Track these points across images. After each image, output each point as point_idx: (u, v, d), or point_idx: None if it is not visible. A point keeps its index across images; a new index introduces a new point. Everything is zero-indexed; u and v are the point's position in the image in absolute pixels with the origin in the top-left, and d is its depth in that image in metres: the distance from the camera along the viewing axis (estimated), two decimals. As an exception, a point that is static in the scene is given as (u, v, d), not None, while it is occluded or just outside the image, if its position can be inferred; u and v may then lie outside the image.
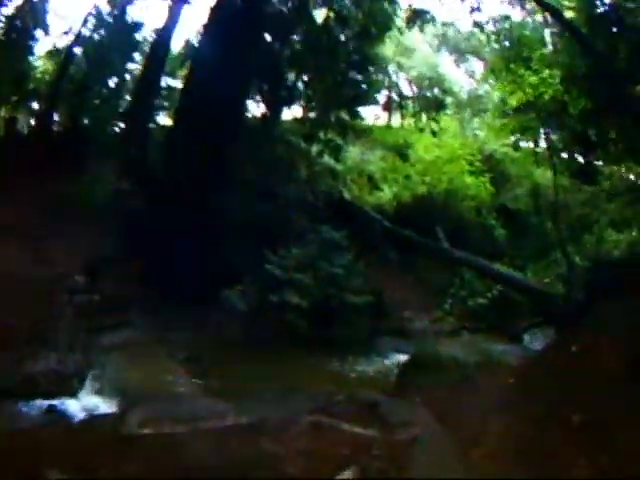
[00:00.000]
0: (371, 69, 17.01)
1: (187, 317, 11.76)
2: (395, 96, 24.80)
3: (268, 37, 15.42)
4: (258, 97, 16.95)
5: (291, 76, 16.63)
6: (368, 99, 17.82)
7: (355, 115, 17.06)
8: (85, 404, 8.72)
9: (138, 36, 19.75)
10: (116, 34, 19.03)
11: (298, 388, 8.98)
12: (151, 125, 17.75)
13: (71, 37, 19.45)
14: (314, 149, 16.17)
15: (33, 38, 18.95)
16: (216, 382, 9.42)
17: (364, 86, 16.86)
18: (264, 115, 16.34)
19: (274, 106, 16.40)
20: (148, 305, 12.34)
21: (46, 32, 19.29)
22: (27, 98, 19.86)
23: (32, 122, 20.53)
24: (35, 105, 20.25)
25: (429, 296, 14.94)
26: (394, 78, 24.81)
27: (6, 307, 10.87)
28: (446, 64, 24.58)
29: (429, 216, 16.69)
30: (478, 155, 18.35)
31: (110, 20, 19.30)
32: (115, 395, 8.82)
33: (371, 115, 22.28)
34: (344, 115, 16.46)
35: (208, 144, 12.93)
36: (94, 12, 19.18)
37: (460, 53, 24.73)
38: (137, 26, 19.64)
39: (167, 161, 14.20)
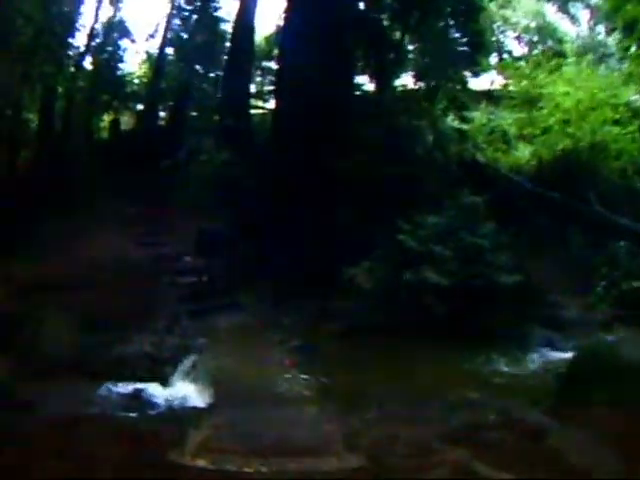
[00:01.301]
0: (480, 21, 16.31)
1: (304, 300, 11.23)
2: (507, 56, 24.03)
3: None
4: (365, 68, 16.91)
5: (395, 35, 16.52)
6: (482, 55, 16.88)
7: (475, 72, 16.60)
8: (174, 392, 8.58)
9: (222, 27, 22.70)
10: (201, 29, 22.26)
11: (431, 393, 7.87)
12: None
13: (158, 39, 23.11)
14: (437, 109, 15.71)
15: (120, 47, 23.01)
16: (329, 380, 8.61)
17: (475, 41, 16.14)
18: (376, 80, 15.80)
19: (384, 70, 15.81)
20: (261, 287, 12.16)
21: (132, 40, 23.30)
22: (127, 100, 23.78)
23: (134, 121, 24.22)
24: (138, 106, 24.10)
25: (581, 275, 12.52)
26: (501, 37, 25.02)
27: (106, 289, 11.59)
28: (550, 13, 25.48)
29: (574, 176, 15.27)
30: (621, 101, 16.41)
31: (193, 17, 22.59)
32: (209, 386, 8.53)
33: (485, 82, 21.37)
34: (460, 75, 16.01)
35: (316, 119, 12.91)
36: (175, 12, 22.63)
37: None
38: (219, 19, 22.75)
39: (276, 138, 14.50)
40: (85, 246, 14.10)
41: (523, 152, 16.78)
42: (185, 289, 12.31)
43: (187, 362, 9.53)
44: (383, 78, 16.47)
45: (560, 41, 23.88)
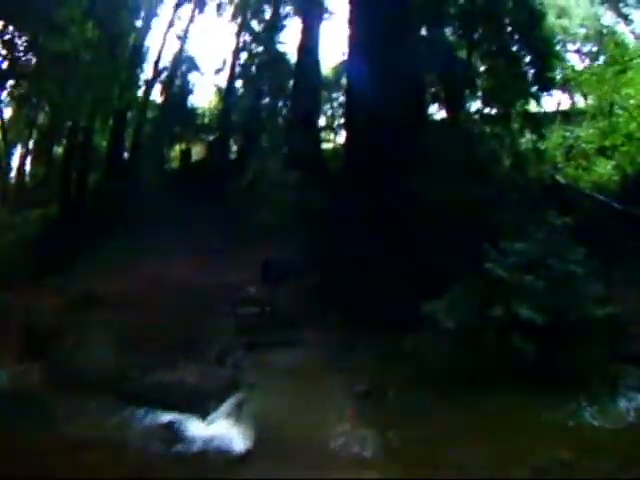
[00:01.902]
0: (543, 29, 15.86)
1: (375, 339, 10.33)
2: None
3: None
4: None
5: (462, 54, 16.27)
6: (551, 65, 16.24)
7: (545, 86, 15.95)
8: (211, 430, 8.18)
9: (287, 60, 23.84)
10: (268, 62, 23.60)
11: (515, 453, 6.93)
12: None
13: (226, 73, 25.01)
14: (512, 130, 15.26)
15: (189, 80, 25.28)
16: (395, 435, 7.58)
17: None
18: (448, 105, 15.31)
19: (455, 93, 15.45)
20: (327, 322, 11.37)
21: (200, 73, 25.61)
22: (198, 132, 25.77)
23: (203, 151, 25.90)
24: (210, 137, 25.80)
25: None
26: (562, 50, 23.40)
27: (160, 312, 11.69)
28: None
29: None
30: None
31: (260, 50, 24.24)
32: (251, 430, 7.95)
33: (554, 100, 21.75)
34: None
35: (388, 149, 12.38)
36: (242, 46, 24.51)
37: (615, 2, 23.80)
38: (283, 55, 24.07)
39: (348, 168, 13.95)
40: (146, 271, 14.43)
41: (604, 167, 15.61)
42: (245, 320, 11.87)
43: (233, 399, 9.02)
44: (455, 102, 15.99)
45: (620, 44, 22.36)
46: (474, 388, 8.31)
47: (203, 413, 8.55)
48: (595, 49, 24.34)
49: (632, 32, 23.38)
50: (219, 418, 8.53)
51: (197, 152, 26.01)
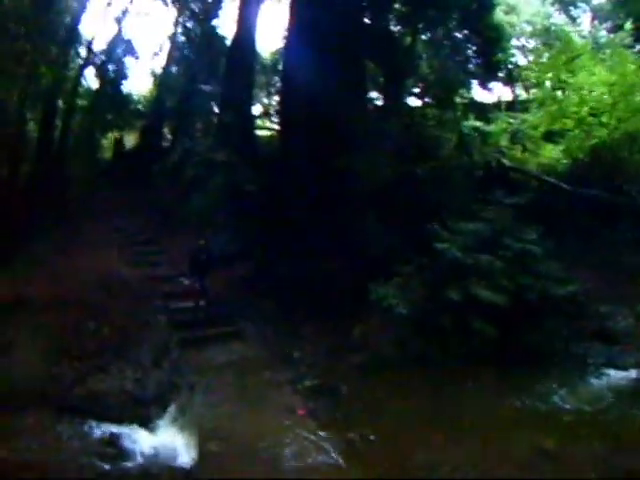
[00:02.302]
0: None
1: (319, 330, 9.98)
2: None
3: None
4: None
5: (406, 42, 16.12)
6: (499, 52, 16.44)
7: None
8: (156, 442, 7.60)
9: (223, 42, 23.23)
10: (204, 48, 23.07)
11: (492, 448, 6.52)
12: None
13: (162, 57, 24.20)
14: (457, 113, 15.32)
15: (124, 65, 23.81)
16: (355, 435, 7.12)
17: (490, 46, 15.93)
18: (387, 91, 15.19)
19: (396, 79, 15.18)
20: (267, 313, 10.83)
21: (136, 57, 24.03)
22: (131, 118, 24.57)
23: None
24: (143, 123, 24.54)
25: (627, 282, 10.98)
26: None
27: (88, 311, 10.55)
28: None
29: (612, 170, 14.26)
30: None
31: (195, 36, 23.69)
32: (198, 438, 7.39)
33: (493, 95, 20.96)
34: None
35: (325, 132, 11.87)
36: (180, 31, 23.87)
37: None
38: (222, 39, 23.44)
39: (283, 147, 13.47)
40: (75, 264, 13.25)
41: (552, 151, 15.88)
42: (178, 314, 11.10)
43: (175, 404, 8.42)
44: (395, 89, 15.69)
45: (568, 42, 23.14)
46: (433, 374, 8.10)
47: (145, 422, 7.98)
48: (540, 46, 24.37)
49: (579, 34, 23.88)
50: (163, 427, 7.95)
51: (130, 140, 24.74)
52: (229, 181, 12.61)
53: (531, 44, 24.44)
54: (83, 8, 20.08)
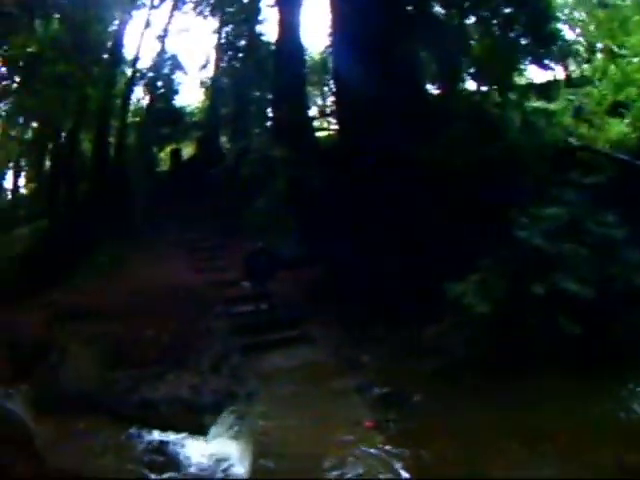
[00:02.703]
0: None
1: (388, 334, 8.83)
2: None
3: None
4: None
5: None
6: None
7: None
8: (208, 451, 6.89)
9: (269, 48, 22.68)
10: (249, 55, 22.92)
11: (580, 466, 5.37)
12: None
13: (210, 69, 24.33)
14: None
15: (173, 80, 24.21)
16: (429, 453, 5.93)
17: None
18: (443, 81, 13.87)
19: (450, 67, 13.88)
20: (333, 316, 9.79)
21: (184, 72, 24.25)
22: (187, 130, 24.69)
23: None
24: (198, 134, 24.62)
25: None
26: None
27: (149, 318, 10.20)
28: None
29: None
30: None
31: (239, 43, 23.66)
32: (253, 450, 6.51)
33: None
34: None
35: (384, 128, 10.66)
36: (225, 40, 23.75)
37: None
38: (267, 43, 23.03)
39: (345, 151, 12.16)
40: (135, 274, 13.00)
41: (619, 126, 13.91)
42: (240, 319, 10.37)
43: (231, 413, 7.68)
44: (450, 76, 14.40)
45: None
46: (513, 379, 6.85)
47: (199, 431, 7.39)
48: (586, 17, 23.15)
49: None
50: (217, 437, 7.26)
51: (187, 151, 24.85)
52: (290, 178, 11.66)
53: (577, 15, 22.79)
54: (124, 29, 20.52)
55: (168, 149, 24.36)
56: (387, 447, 6.03)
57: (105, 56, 19.16)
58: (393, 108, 10.70)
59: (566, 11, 23.78)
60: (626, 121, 13.92)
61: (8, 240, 19.61)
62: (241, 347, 9.24)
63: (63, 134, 21.24)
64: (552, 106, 13.64)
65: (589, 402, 6.48)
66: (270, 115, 21.18)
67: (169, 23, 22.92)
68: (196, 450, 6.91)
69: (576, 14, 23.48)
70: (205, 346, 9.32)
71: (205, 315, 10.29)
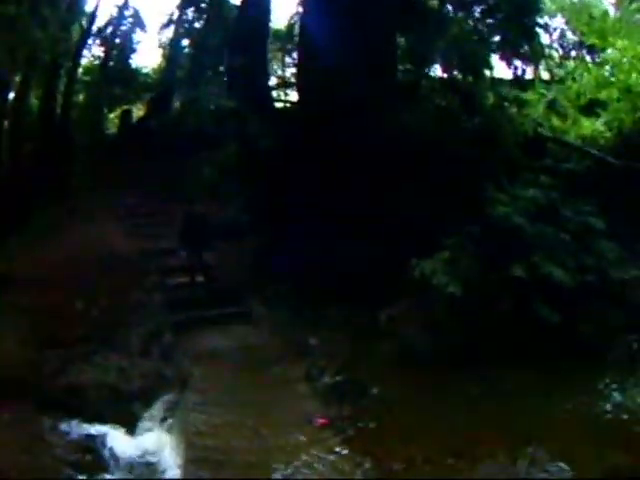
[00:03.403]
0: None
1: (341, 314, 7.92)
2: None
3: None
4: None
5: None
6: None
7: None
8: (137, 446, 5.99)
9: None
10: (215, 20, 21.41)
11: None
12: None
13: (170, 29, 22.71)
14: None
15: (133, 39, 22.54)
16: (395, 464, 4.96)
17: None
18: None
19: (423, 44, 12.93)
20: (280, 293, 8.85)
21: (143, 30, 22.64)
22: (139, 92, 22.98)
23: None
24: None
25: None
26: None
27: (83, 290, 9.06)
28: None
29: None
30: None
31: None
32: (188, 452, 5.62)
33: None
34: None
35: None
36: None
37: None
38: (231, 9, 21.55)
39: (304, 118, 10.90)
40: (70, 240, 11.78)
41: (593, 124, 13.72)
42: (175, 293, 9.26)
43: (163, 401, 6.76)
44: (421, 58, 13.42)
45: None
46: (480, 369, 6.14)
47: (129, 422, 6.43)
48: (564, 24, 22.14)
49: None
50: (147, 429, 6.34)
51: (139, 114, 23.11)
52: (241, 135, 10.40)
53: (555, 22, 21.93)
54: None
55: (119, 111, 22.67)
56: (344, 451, 5.14)
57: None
58: (360, 79, 9.64)
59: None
60: (601, 120, 13.76)
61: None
62: (174, 324, 8.20)
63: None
64: (525, 96, 13.11)
65: (564, 397, 5.87)
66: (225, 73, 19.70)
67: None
68: (125, 446, 5.96)
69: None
70: (135, 322, 8.22)
71: (137, 287, 9.18)
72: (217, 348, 7.74)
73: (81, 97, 21.94)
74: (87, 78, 21.89)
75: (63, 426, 6.31)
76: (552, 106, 13.51)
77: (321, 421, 5.71)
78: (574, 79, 14.12)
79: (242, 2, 17.97)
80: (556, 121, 13.47)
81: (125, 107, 22.29)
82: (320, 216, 8.64)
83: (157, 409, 6.63)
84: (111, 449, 5.92)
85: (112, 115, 23.32)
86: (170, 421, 6.29)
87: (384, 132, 9.02)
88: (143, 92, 22.91)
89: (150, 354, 7.62)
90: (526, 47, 16.33)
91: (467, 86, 11.67)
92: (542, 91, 14.38)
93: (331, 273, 8.02)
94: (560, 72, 16.82)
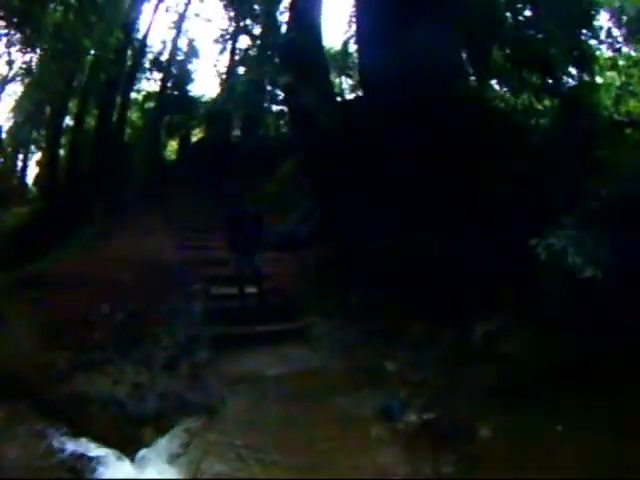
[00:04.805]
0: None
1: (426, 332, 5.82)
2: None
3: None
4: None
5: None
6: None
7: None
8: (143, 474, 4.59)
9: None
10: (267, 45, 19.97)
11: None
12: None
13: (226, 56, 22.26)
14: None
15: (188, 67, 22.57)
16: None
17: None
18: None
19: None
20: (348, 308, 6.76)
21: (197, 56, 22.68)
22: (199, 118, 23.01)
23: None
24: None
25: None
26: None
27: (104, 293, 7.63)
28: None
29: None
30: None
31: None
32: None
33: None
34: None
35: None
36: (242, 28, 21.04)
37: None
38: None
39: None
40: (118, 248, 10.57)
41: None
42: (218, 303, 7.51)
43: (180, 431, 5.00)
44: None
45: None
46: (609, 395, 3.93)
47: (131, 448, 4.86)
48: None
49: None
50: (154, 461, 4.67)
51: (197, 137, 23.34)
52: (306, 136, 8.68)
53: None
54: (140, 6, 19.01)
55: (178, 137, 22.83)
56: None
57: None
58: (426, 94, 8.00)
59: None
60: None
61: (9, 217, 18.77)
62: (212, 339, 6.36)
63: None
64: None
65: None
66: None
67: (187, 6, 21.12)
68: (124, 473, 4.55)
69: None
70: (164, 333, 6.51)
71: (175, 295, 7.45)
72: (262, 372, 5.79)
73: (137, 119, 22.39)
74: (148, 105, 22.08)
75: (56, 438, 5.00)
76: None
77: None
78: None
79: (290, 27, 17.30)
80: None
81: (183, 132, 22.40)
82: (397, 226, 6.75)
83: (170, 439, 4.81)
84: (99, 477, 4.52)
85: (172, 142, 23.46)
86: (181, 459, 4.45)
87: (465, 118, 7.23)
88: (201, 119, 22.89)
89: (175, 371, 5.83)
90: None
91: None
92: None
93: (406, 287, 6.06)
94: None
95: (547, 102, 10.43)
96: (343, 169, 8.19)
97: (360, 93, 13.70)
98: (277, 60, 18.80)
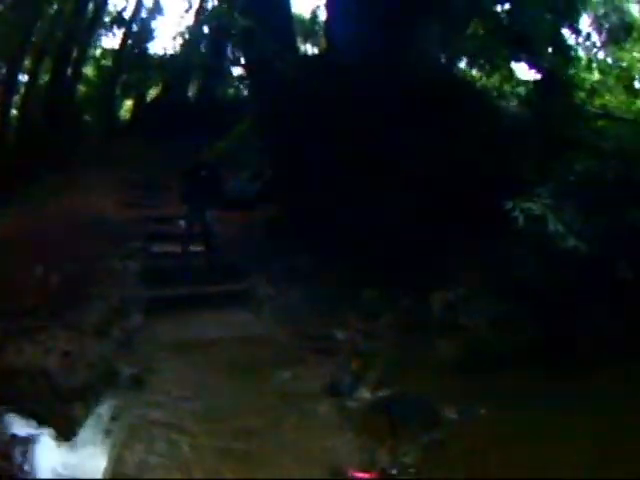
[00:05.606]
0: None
1: (379, 299, 5.41)
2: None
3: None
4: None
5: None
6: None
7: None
8: (68, 463, 3.95)
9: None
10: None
11: None
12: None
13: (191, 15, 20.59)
14: None
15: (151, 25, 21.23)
16: None
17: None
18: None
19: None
20: (297, 270, 6.36)
21: (161, 14, 21.34)
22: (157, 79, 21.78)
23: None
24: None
25: None
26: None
27: (40, 253, 7.10)
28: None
29: None
30: None
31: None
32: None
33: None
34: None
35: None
36: None
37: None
38: None
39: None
40: (61, 205, 10.03)
41: None
42: (159, 261, 7.08)
43: (113, 403, 4.49)
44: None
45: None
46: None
47: (63, 425, 4.28)
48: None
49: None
50: (86, 439, 4.17)
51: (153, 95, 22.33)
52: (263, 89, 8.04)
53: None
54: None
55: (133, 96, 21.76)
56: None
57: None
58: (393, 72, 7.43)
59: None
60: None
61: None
62: (149, 301, 5.88)
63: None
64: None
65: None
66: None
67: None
68: (51, 453, 3.99)
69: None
70: (100, 295, 5.96)
71: (114, 253, 6.95)
72: (200, 338, 5.32)
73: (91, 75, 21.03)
74: (106, 62, 20.79)
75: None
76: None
77: (359, 475, 3.07)
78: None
79: None
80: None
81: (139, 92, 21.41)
82: (349, 180, 6.30)
83: (103, 414, 4.32)
84: (33, 460, 3.90)
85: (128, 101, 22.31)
86: (106, 441, 3.99)
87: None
88: (159, 78, 21.51)
89: (107, 337, 5.30)
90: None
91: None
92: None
93: (364, 249, 5.67)
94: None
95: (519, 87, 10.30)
96: (297, 125, 7.66)
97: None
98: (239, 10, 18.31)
